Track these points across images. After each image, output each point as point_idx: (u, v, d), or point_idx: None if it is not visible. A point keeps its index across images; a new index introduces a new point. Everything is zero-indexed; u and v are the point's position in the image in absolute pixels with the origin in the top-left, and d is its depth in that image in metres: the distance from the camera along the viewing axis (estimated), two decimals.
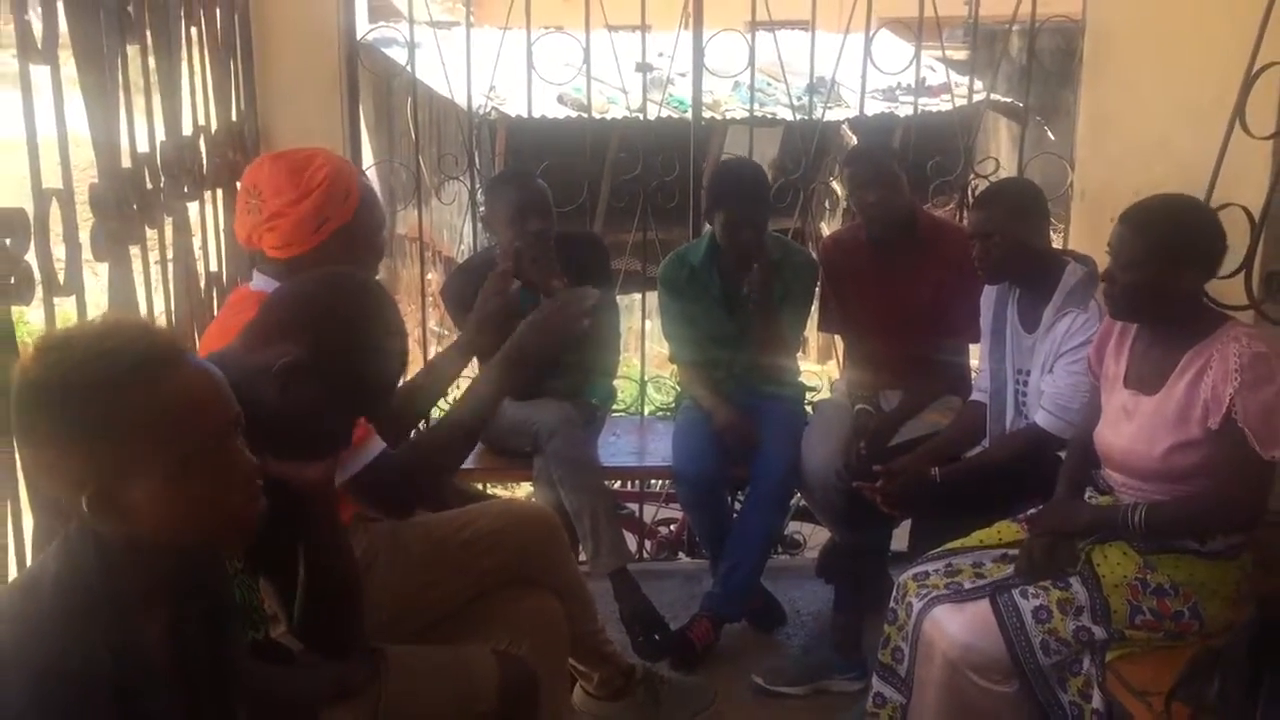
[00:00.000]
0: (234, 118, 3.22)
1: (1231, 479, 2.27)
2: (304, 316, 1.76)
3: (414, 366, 2.69)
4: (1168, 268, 2.31)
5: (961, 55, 7.44)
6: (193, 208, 2.81)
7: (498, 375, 2.21)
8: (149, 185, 2.42)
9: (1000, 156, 4.29)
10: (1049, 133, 6.34)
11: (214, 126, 3.02)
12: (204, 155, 2.87)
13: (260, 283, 2.30)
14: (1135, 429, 2.41)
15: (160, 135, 2.56)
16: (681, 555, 4.44)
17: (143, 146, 2.44)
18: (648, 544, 4.51)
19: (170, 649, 1.33)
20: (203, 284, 2.88)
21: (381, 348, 1.81)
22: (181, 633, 1.35)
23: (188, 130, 2.79)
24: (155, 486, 1.27)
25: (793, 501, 3.73)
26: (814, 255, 3.80)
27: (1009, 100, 8.03)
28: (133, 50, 2.44)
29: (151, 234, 2.46)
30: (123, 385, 1.25)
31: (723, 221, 3.43)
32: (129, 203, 2.27)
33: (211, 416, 1.32)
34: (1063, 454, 2.77)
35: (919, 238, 3.41)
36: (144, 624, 1.30)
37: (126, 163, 2.32)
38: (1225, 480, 2.29)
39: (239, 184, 2.33)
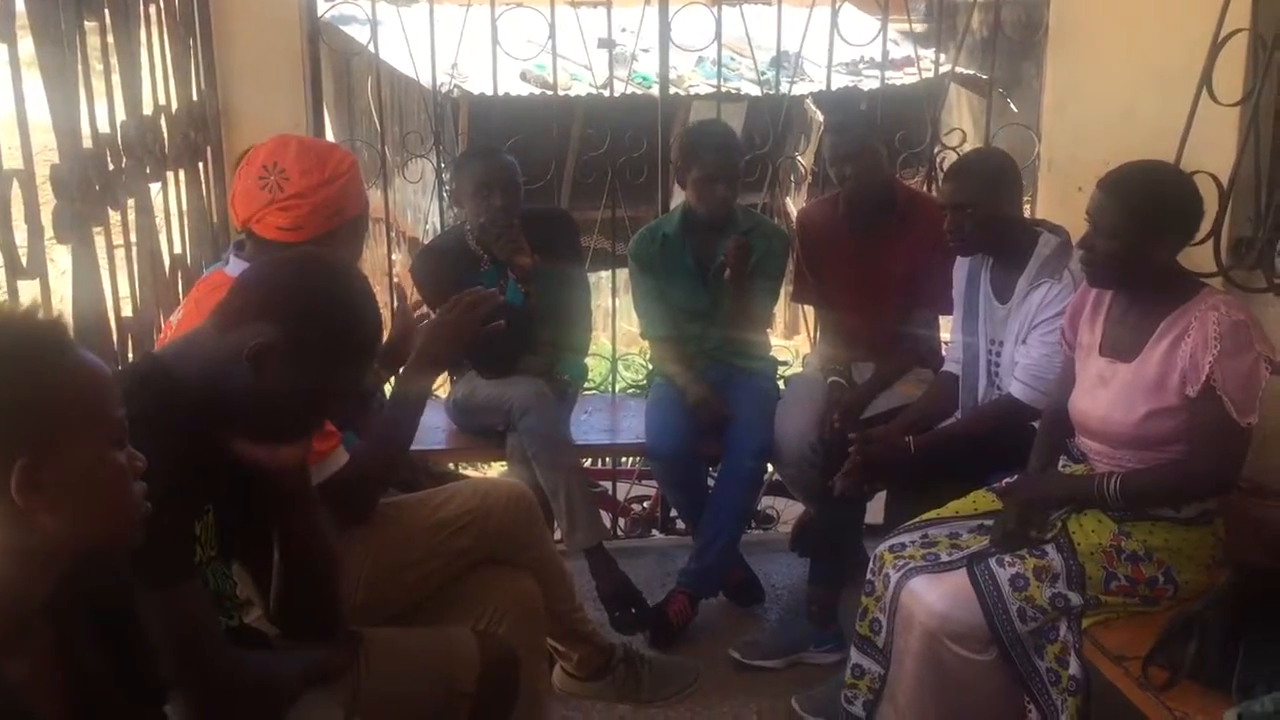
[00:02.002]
0: (194, 97, 3.18)
1: (1208, 445, 2.28)
2: (276, 297, 1.72)
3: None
4: (1148, 235, 2.31)
5: (920, 28, 7.45)
6: (155, 190, 2.77)
7: (414, 379, 2.35)
8: (111, 166, 2.39)
9: (963, 129, 4.29)
10: (1011, 104, 6.36)
11: (174, 106, 2.97)
12: (165, 135, 2.83)
13: (238, 268, 2.24)
14: (1112, 396, 2.41)
15: (120, 115, 2.53)
16: (655, 532, 4.43)
17: (103, 127, 2.40)
18: (621, 521, 4.50)
19: (54, 677, 1.26)
20: (167, 266, 2.84)
21: (355, 328, 1.78)
22: (73, 656, 1.29)
23: (148, 110, 2.75)
24: (80, 463, 1.21)
25: (766, 476, 3.73)
26: (783, 229, 3.80)
27: (970, 72, 8.04)
28: (90, 29, 2.40)
29: (114, 216, 2.42)
30: (33, 349, 1.20)
31: (696, 177, 3.43)
32: (91, 184, 2.25)
33: (114, 398, 1.27)
34: (1037, 424, 2.78)
35: (896, 211, 3.40)
36: (4, 663, 1.19)
37: (87, 143, 2.29)
38: (1201, 447, 2.30)
39: (257, 161, 2.26)
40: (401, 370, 2.45)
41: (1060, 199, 3.65)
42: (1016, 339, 2.88)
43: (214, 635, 1.69)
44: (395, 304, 2.78)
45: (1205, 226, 2.46)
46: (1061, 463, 2.71)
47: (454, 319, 2.38)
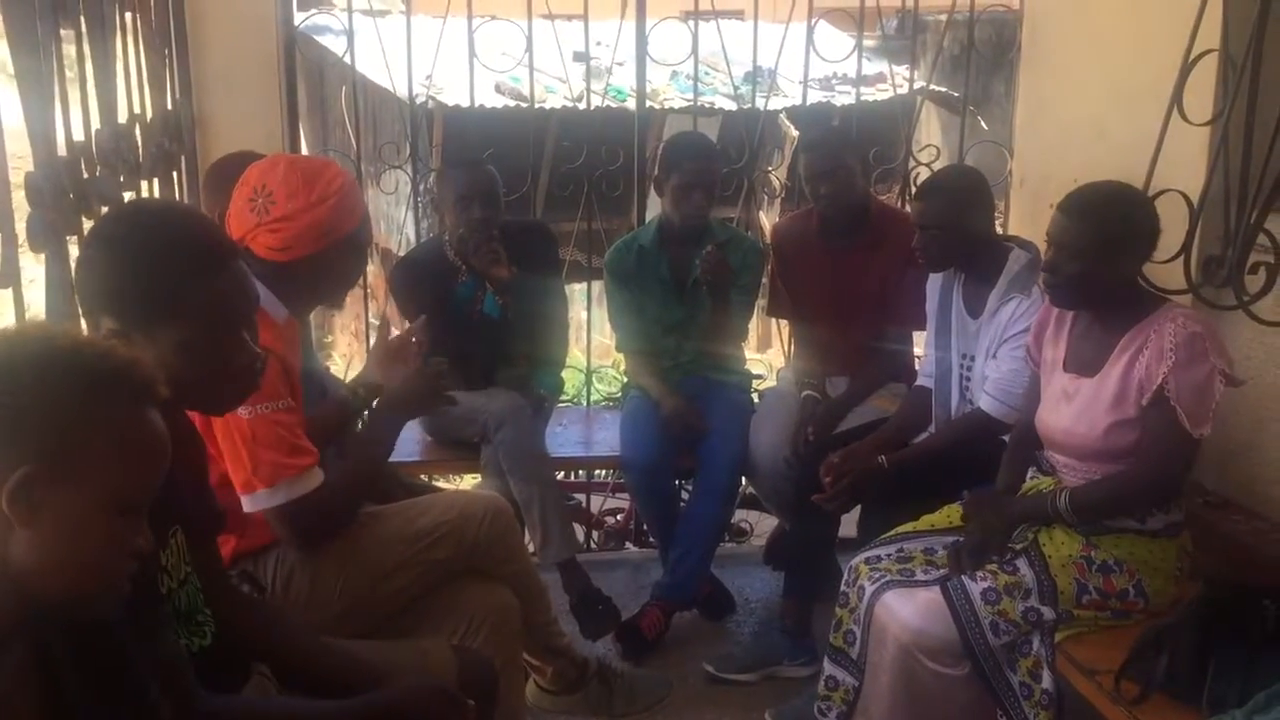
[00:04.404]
0: (169, 106, 3.16)
1: (1154, 454, 2.32)
2: (104, 288, 1.64)
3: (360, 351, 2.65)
4: (1112, 254, 2.34)
5: (894, 45, 7.50)
6: (129, 199, 2.74)
7: (379, 431, 2.45)
8: (85, 174, 2.35)
9: (935, 145, 4.32)
10: (981, 121, 6.42)
11: (149, 114, 2.95)
12: (140, 144, 2.80)
13: None
14: (1075, 411, 2.44)
15: (96, 123, 2.49)
16: (629, 545, 4.42)
17: (77, 135, 2.37)
18: (595, 534, 4.49)
19: (27, 697, 1.23)
20: None
21: (175, 271, 1.63)
22: (49, 678, 1.26)
23: (122, 119, 2.72)
24: (78, 507, 1.18)
25: (740, 489, 3.72)
26: (757, 242, 3.81)
27: (942, 89, 8.09)
28: (66, 37, 2.37)
29: (88, 225, 2.40)
30: (105, 386, 1.20)
31: (675, 184, 3.44)
32: (65, 192, 2.21)
33: (156, 474, 1.26)
34: (1007, 438, 2.80)
35: (871, 227, 3.42)
36: None
37: (62, 152, 2.25)
38: (1148, 455, 2.33)
39: (249, 182, 2.25)
40: (373, 412, 2.51)
41: (1031, 215, 3.68)
42: (987, 353, 2.91)
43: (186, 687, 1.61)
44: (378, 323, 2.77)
45: (1175, 245, 2.48)
46: (1031, 474, 2.73)
47: (421, 387, 2.47)
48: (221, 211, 2.34)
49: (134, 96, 2.85)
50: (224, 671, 1.77)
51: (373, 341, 2.77)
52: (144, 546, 1.26)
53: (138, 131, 2.80)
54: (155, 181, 2.97)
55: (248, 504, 2.14)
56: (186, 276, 1.64)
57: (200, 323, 1.64)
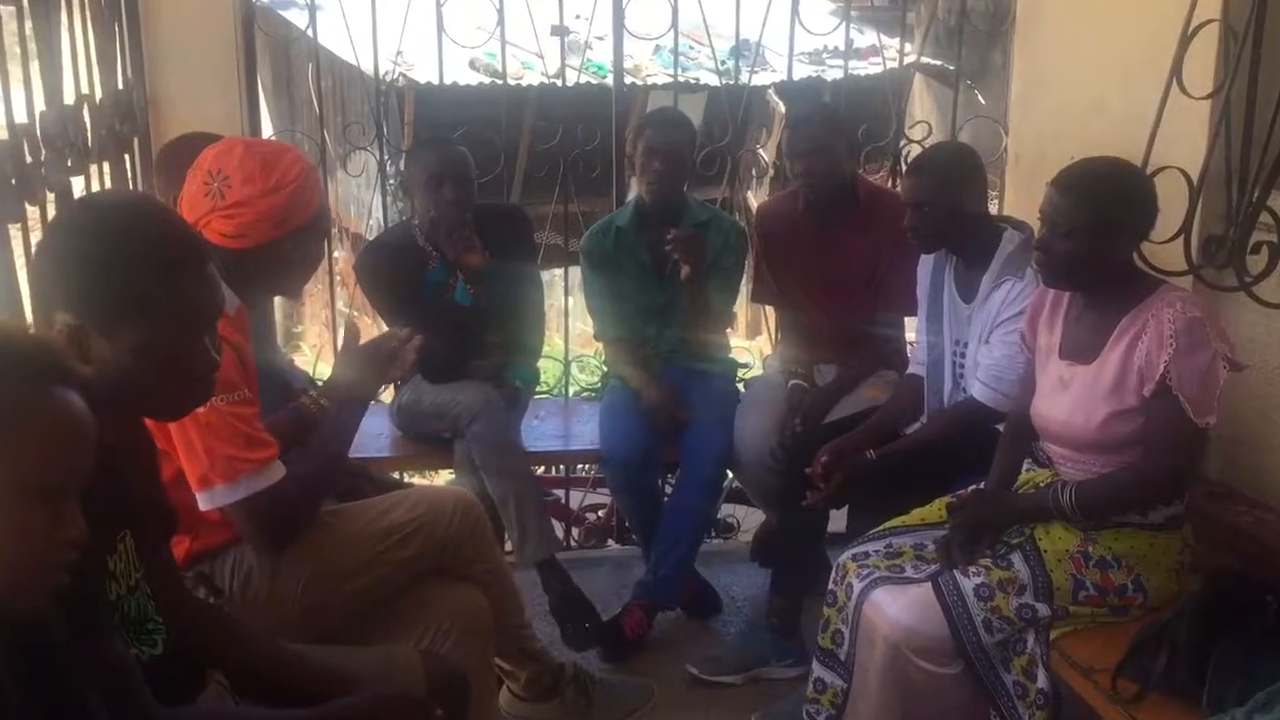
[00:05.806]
0: (120, 86, 3.08)
1: (1163, 447, 2.27)
2: (67, 283, 1.56)
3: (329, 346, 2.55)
4: (1107, 233, 2.28)
5: (885, 15, 7.40)
6: (77, 184, 2.65)
7: (336, 423, 2.36)
8: (28, 159, 2.29)
9: (929, 121, 4.23)
10: (979, 96, 6.31)
11: (99, 95, 2.87)
12: (88, 126, 2.71)
13: None
14: (1072, 400, 2.38)
15: (40, 105, 2.42)
16: (611, 542, 4.35)
17: (20, 117, 2.29)
18: (575, 531, 4.42)
19: None
20: None
21: (141, 267, 1.56)
22: None
23: (69, 99, 2.64)
24: None
25: (725, 483, 3.67)
26: (740, 223, 3.72)
27: (937, 63, 7.98)
28: (6, 13, 2.33)
29: (33, 213, 2.31)
30: (6, 368, 1.13)
31: (643, 149, 3.38)
32: (7, 178, 2.16)
33: (72, 456, 1.19)
34: (1001, 426, 2.72)
35: (858, 207, 3.36)
36: None
37: (3, 134, 2.19)
38: (1156, 448, 2.28)
39: (204, 165, 2.20)
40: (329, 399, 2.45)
41: (1027, 194, 3.60)
42: (980, 339, 2.85)
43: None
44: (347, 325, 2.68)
45: (1175, 224, 2.42)
46: (1026, 466, 2.67)
47: (369, 365, 2.41)
48: (174, 196, 2.29)
49: (82, 76, 2.76)
50: (178, 681, 1.71)
51: (340, 341, 2.68)
52: (76, 535, 1.19)
53: (85, 113, 2.72)
54: (105, 165, 2.89)
55: (204, 501, 2.07)
56: (158, 277, 1.57)
57: (165, 325, 1.57)
